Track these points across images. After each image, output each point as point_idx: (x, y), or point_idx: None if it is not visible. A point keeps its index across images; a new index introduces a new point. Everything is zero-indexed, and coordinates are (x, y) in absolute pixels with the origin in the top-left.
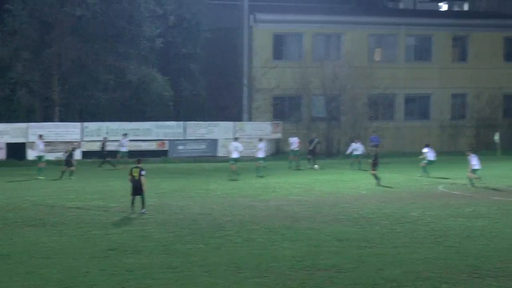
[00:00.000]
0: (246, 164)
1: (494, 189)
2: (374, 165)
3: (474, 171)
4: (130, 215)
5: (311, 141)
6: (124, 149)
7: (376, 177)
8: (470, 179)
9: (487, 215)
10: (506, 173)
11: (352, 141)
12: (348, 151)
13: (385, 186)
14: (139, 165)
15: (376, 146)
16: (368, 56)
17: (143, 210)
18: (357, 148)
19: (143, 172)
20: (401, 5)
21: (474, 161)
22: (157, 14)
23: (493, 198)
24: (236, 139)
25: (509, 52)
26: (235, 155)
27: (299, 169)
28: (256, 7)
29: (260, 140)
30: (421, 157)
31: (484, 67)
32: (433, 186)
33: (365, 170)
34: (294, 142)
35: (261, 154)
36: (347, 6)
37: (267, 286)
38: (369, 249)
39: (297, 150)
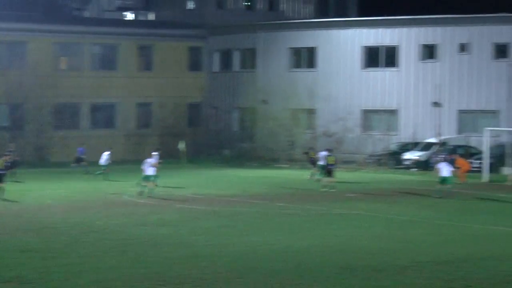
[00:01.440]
0: None
1: (179, 197)
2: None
3: (149, 178)
4: None
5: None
6: None
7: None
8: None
9: (172, 223)
10: (190, 181)
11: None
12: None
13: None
14: None
15: (80, 157)
16: (53, 64)
17: None
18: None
19: None
20: (87, 14)
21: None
22: None
23: (177, 206)
24: None
25: (193, 62)
26: None
27: None
28: None
29: None
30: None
31: (169, 76)
32: (118, 195)
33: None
34: None
35: None
36: (32, 13)
37: None
38: (54, 260)
39: None
